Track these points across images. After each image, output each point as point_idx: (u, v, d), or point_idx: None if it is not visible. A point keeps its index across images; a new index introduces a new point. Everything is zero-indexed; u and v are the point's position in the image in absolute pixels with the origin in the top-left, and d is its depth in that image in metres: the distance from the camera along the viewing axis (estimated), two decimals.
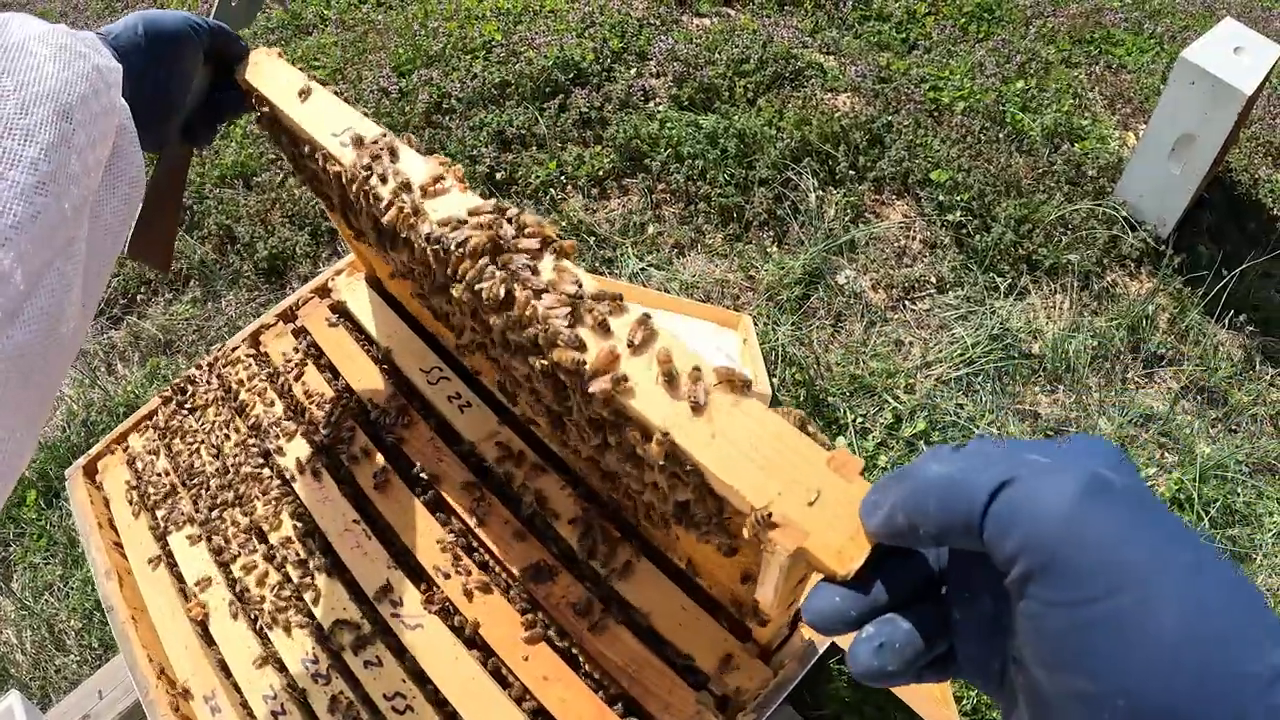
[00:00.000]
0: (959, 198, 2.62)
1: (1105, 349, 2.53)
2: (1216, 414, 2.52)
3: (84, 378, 2.90)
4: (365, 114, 1.14)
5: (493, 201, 0.95)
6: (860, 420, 2.40)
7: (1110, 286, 2.61)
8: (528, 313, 0.85)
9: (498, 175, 2.94)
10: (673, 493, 0.82)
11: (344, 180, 1.11)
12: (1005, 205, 2.61)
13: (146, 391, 2.80)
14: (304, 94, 1.17)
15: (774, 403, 2.34)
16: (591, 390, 0.78)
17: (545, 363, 0.86)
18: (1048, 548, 0.41)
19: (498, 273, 0.89)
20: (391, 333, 1.63)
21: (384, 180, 1.04)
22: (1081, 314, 2.56)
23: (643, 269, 2.67)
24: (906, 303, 2.58)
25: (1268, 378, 2.55)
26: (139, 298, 3.12)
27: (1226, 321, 2.56)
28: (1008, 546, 0.42)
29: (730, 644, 1.19)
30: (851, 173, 2.70)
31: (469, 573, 1.33)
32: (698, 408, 0.73)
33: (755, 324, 2.45)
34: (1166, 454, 2.46)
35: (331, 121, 1.14)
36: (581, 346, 0.81)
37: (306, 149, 1.19)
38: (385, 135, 1.09)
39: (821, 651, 1.14)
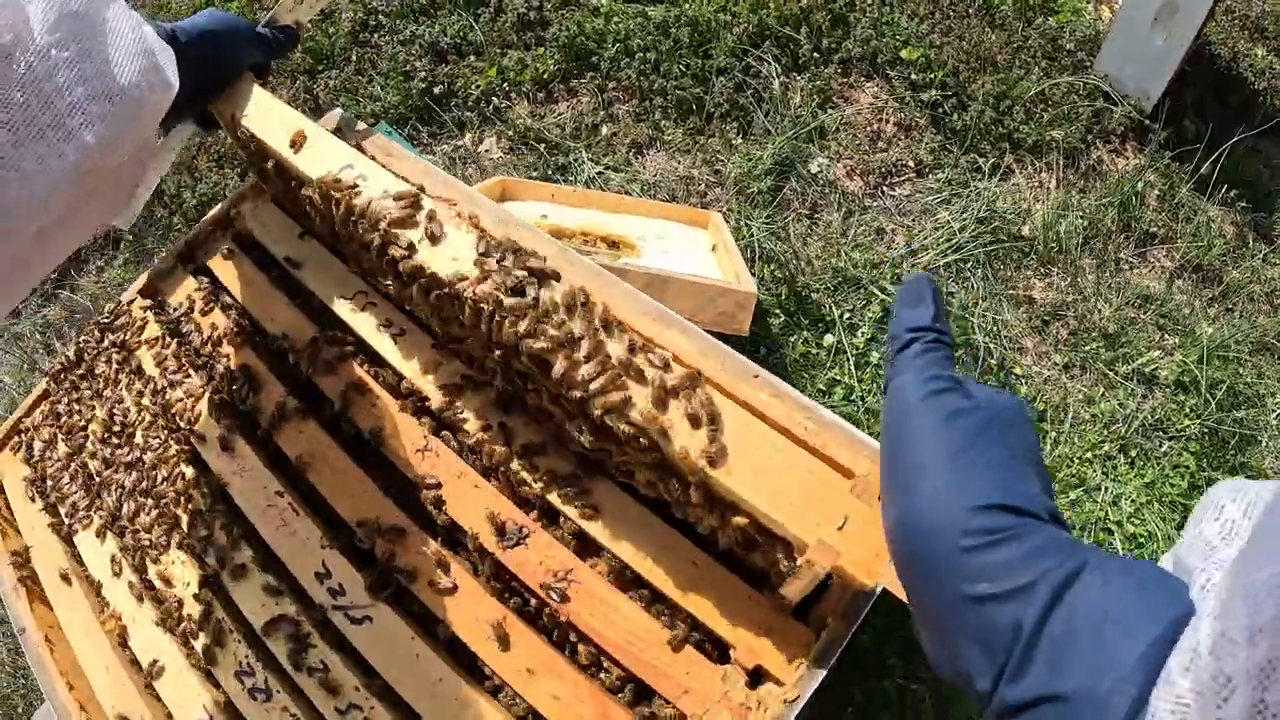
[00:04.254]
0: (932, 76, 2.12)
1: (1096, 229, 2.07)
2: (1212, 293, 2.07)
3: (22, 363, 2.35)
4: None
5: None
6: (848, 315, 1.91)
7: (1096, 164, 2.14)
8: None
9: (435, 90, 2.38)
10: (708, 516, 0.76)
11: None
12: (982, 82, 2.12)
13: None
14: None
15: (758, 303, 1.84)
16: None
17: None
18: None
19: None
20: (306, 257, 1.11)
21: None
22: (1069, 193, 2.08)
23: (600, 173, 2.14)
24: (885, 189, 2.08)
25: (1261, 254, 2.12)
26: (69, 270, 2.54)
27: (1220, 198, 2.10)
28: None
29: (757, 602, 0.78)
30: (816, 55, 2.19)
31: (421, 544, 0.88)
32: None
33: (727, 220, 1.94)
34: (1166, 336, 2.01)
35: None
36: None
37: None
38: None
39: (872, 600, 0.72)
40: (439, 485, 0.89)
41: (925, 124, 2.13)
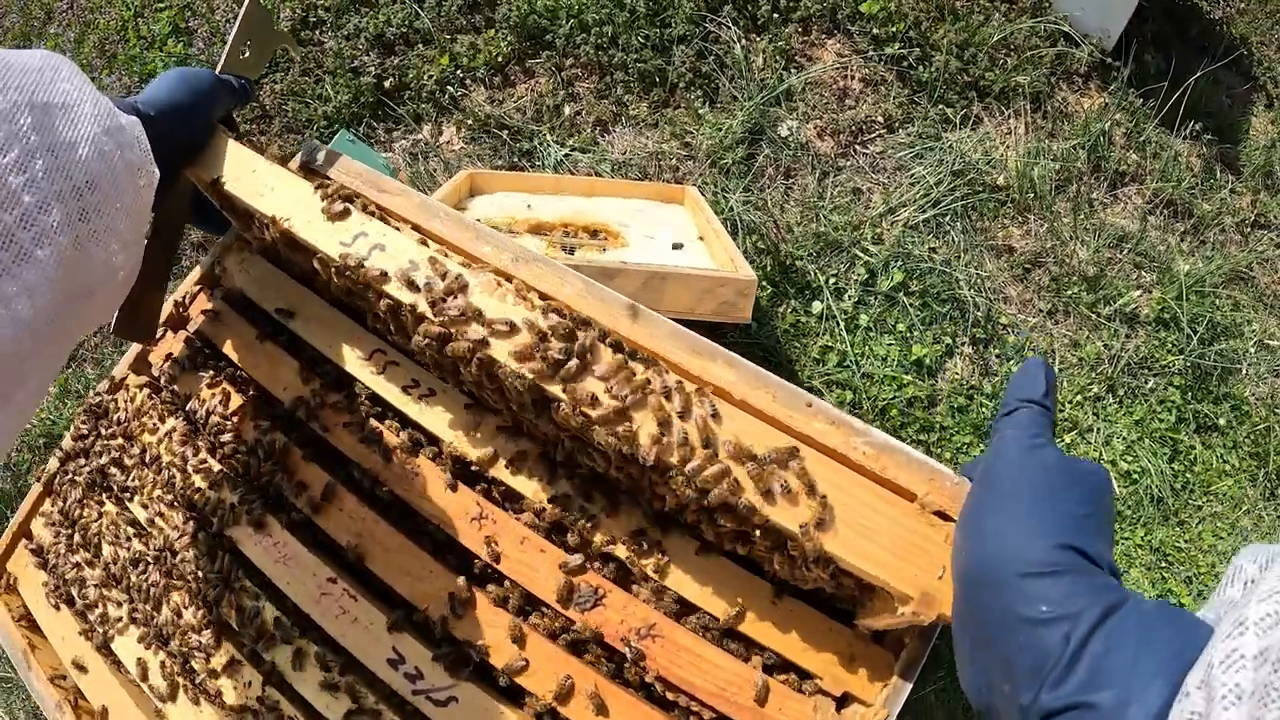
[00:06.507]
0: (894, 29, 2.03)
1: (1068, 172, 2.00)
2: (1184, 227, 2.02)
3: None
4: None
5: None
6: (833, 280, 1.83)
7: (1062, 105, 2.06)
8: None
9: (386, 84, 2.23)
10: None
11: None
12: (943, 31, 2.03)
13: (61, 414, 2.10)
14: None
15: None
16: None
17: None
18: None
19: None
20: (312, 315, 0.98)
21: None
22: (1039, 138, 2.01)
23: (566, 155, 2.02)
24: (857, 147, 1.99)
25: (1229, 185, 2.07)
26: None
27: (1187, 132, 2.04)
28: None
29: (837, 632, 0.76)
30: (775, 15, 2.08)
31: (494, 617, 0.80)
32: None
33: (704, 194, 1.83)
34: (1144, 274, 1.96)
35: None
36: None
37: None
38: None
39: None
40: (501, 553, 0.80)
41: (891, 78, 2.04)
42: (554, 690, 0.73)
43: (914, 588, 0.63)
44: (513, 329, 0.73)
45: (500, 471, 0.83)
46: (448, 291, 0.75)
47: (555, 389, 0.71)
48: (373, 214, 0.83)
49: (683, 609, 0.77)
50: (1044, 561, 0.47)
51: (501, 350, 0.73)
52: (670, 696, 0.73)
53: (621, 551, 0.78)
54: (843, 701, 0.73)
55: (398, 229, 0.82)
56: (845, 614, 0.77)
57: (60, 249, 0.59)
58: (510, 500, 0.84)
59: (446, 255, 0.79)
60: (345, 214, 0.82)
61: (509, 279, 0.79)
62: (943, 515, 0.66)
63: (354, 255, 0.79)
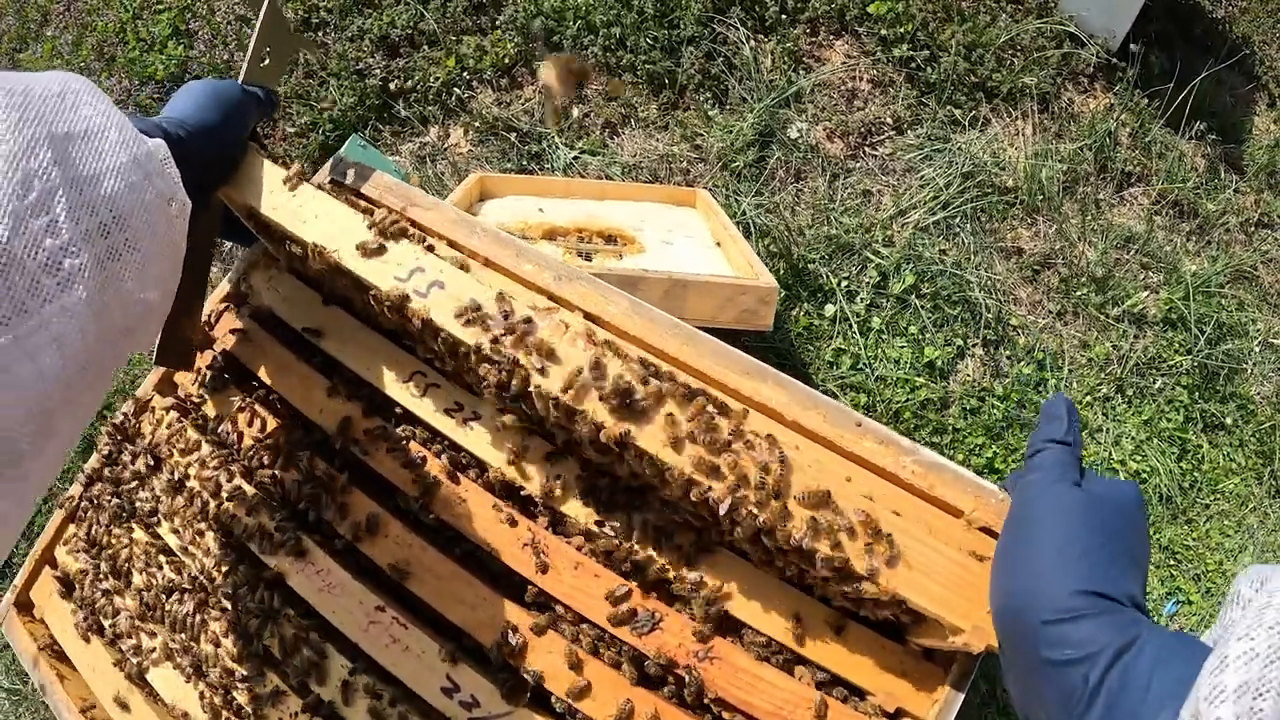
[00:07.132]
0: (901, 30, 2.02)
1: (1075, 173, 2.00)
2: (1190, 227, 2.03)
3: None
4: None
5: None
6: (845, 283, 1.82)
7: (1068, 106, 2.06)
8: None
9: (392, 86, 2.20)
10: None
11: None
12: (951, 32, 2.01)
13: None
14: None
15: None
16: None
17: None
18: None
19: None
20: (345, 335, 0.95)
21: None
22: (1046, 139, 2.00)
23: (576, 157, 2.00)
24: (866, 149, 1.98)
25: (1233, 185, 2.08)
26: None
27: (1191, 132, 2.04)
28: None
29: (889, 649, 0.76)
30: (783, 17, 2.06)
31: (550, 642, 0.79)
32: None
33: (715, 197, 1.82)
34: (1151, 274, 1.96)
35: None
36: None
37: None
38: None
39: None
40: (556, 578, 0.79)
41: (900, 80, 2.03)
42: (614, 714, 0.72)
43: (966, 621, 0.64)
44: (579, 375, 0.72)
45: (552, 498, 0.82)
46: (508, 330, 0.73)
47: (634, 438, 0.70)
48: (418, 239, 0.81)
49: (738, 630, 0.77)
50: (1065, 608, 0.50)
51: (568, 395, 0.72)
52: (727, 717, 0.73)
53: (675, 574, 0.77)
54: (896, 717, 0.73)
55: (460, 268, 0.80)
56: (895, 630, 0.77)
57: (90, 293, 0.55)
58: (560, 524, 0.83)
59: (501, 297, 0.77)
60: (395, 250, 0.80)
61: (567, 308, 0.77)
62: (989, 531, 0.67)
63: (409, 291, 0.77)
